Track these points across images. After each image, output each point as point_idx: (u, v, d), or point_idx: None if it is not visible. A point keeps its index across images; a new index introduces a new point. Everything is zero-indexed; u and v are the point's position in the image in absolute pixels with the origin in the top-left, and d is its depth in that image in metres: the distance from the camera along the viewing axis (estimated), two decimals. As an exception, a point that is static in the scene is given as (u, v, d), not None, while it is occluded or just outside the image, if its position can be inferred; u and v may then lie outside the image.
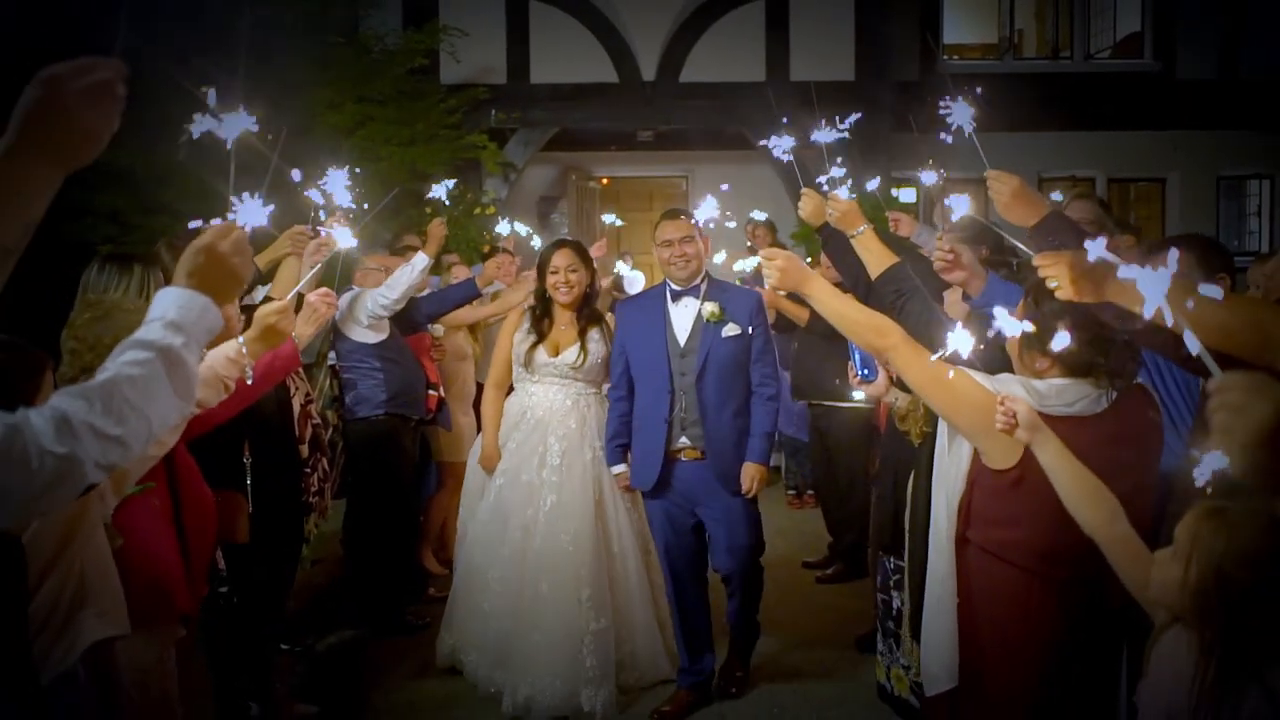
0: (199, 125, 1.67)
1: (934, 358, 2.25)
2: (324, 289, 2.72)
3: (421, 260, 4.59)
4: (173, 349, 1.44)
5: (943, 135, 2.38)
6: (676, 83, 9.78)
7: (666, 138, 10.88)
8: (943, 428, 2.52)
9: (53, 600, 2.20)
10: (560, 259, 4.24)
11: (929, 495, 2.63)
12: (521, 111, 9.60)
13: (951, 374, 2.33)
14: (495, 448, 4.30)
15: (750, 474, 3.96)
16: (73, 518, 2.24)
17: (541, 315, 4.29)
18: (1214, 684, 1.66)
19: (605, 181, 11.89)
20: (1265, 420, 1.03)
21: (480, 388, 5.51)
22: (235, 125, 1.70)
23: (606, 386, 4.31)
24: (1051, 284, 2.01)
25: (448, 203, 5.11)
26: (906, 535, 3.08)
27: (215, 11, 7.47)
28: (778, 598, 5.36)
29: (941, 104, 2.50)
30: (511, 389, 4.47)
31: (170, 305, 1.49)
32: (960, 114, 2.25)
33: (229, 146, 1.68)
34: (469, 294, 5.07)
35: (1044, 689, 2.35)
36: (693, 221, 4.00)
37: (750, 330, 3.98)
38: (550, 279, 4.25)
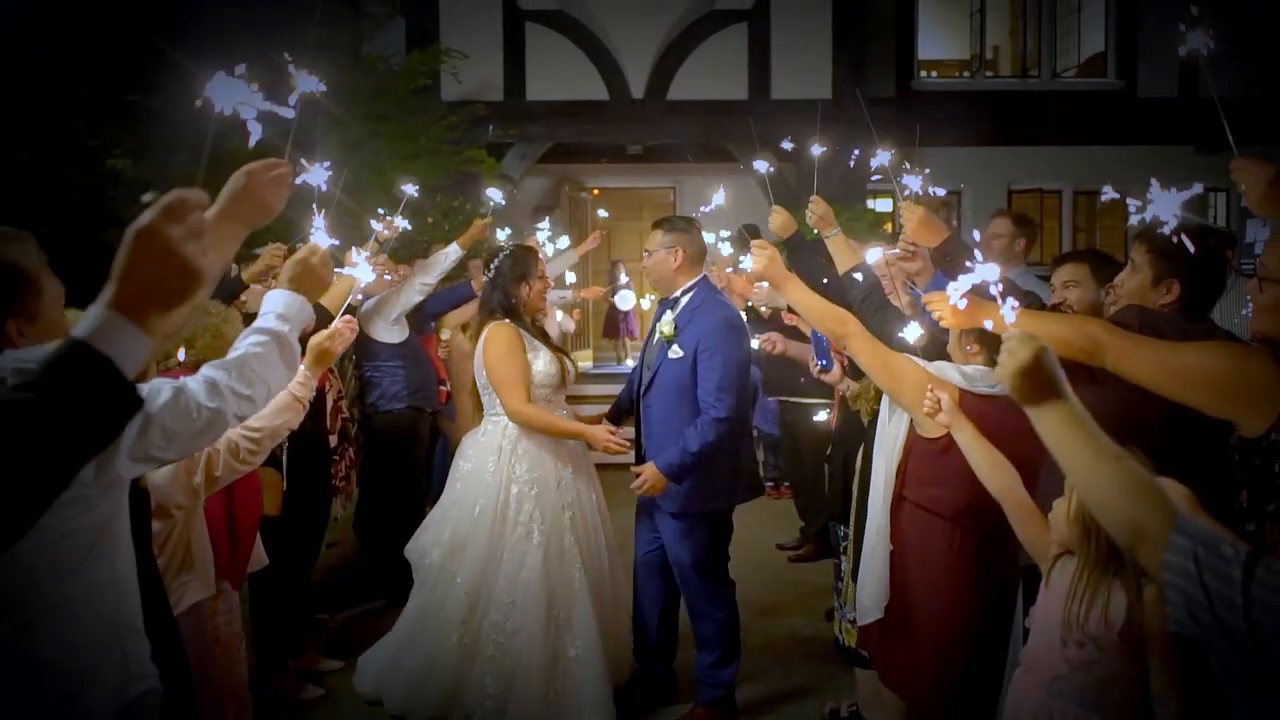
0: (306, 175, 2.17)
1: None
2: (348, 316, 3.15)
3: (455, 251, 5.27)
4: (282, 333, 1.97)
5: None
6: (664, 100, 10.25)
7: (655, 151, 11.41)
8: (885, 403, 3.05)
9: (166, 563, 2.75)
10: (543, 267, 4.13)
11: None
12: (518, 127, 10.07)
13: (896, 357, 2.87)
14: (594, 424, 3.96)
15: (645, 473, 3.73)
16: (187, 498, 2.75)
17: (523, 328, 4.02)
18: (1089, 587, 2.21)
19: (597, 192, 12.41)
20: (1024, 361, 1.50)
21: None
22: (319, 175, 2.21)
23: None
24: (935, 314, 2.55)
25: (495, 200, 5.77)
26: (854, 501, 3.59)
27: (235, 35, 8.00)
28: (754, 577, 5.90)
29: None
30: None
31: (279, 302, 2.03)
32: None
33: (318, 188, 2.18)
34: (466, 295, 5.63)
35: (959, 618, 2.88)
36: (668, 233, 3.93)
37: (695, 354, 3.76)
38: (537, 285, 4.06)
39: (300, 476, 4.20)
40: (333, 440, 4.59)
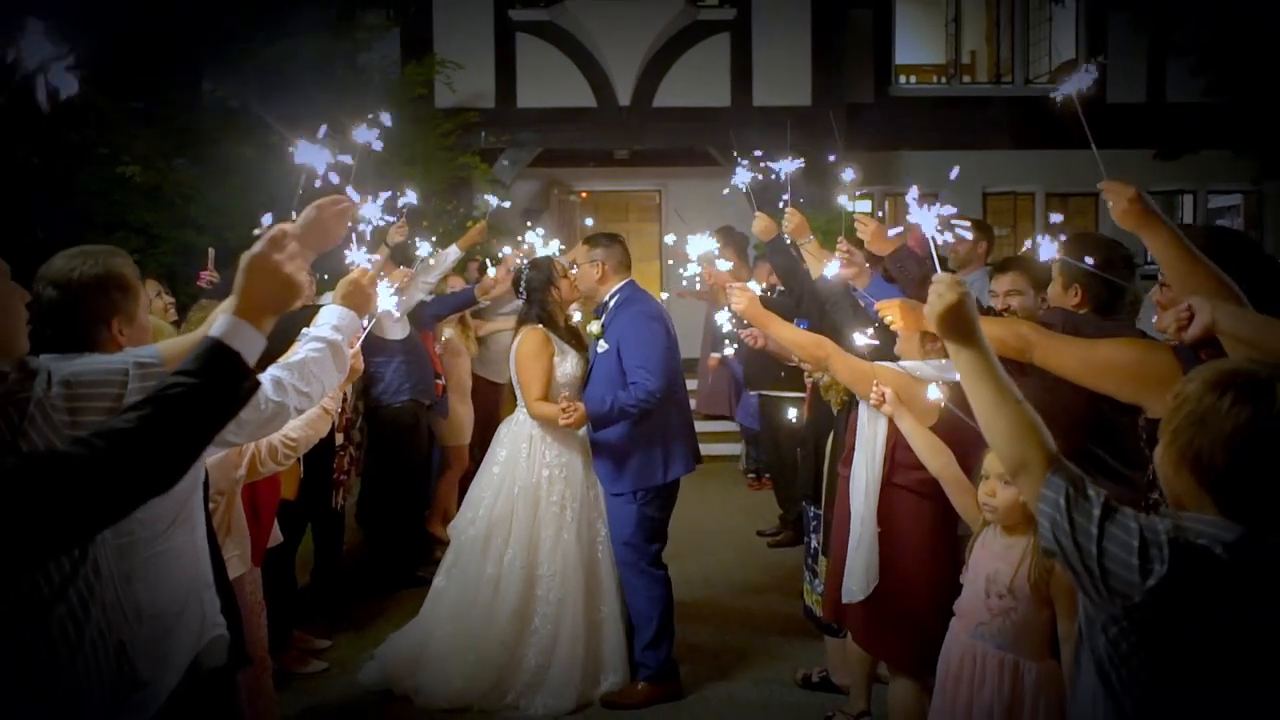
0: (365, 209, 2.48)
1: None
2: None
3: (454, 252, 5.64)
4: (337, 341, 2.31)
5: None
6: (650, 107, 10.60)
7: (641, 156, 11.76)
8: (863, 406, 3.35)
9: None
10: (563, 266, 4.49)
11: (843, 449, 3.52)
12: (509, 134, 10.40)
13: (873, 367, 3.19)
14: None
15: (570, 404, 4.05)
16: (229, 485, 3.09)
17: (555, 332, 4.36)
18: (1031, 558, 2.58)
19: (585, 195, 12.75)
20: (950, 303, 1.72)
21: (474, 380, 6.42)
22: (374, 210, 2.52)
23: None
24: (888, 319, 2.90)
25: (493, 204, 6.16)
26: (824, 482, 3.94)
27: (238, 45, 8.28)
28: (736, 560, 6.28)
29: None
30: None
31: (334, 315, 2.36)
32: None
33: (368, 221, 2.49)
34: (467, 300, 5.97)
35: (944, 584, 3.22)
36: (590, 248, 4.32)
37: (619, 344, 4.13)
38: (564, 284, 4.41)
39: (310, 464, 4.51)
40: (339, 438, 4.90)
